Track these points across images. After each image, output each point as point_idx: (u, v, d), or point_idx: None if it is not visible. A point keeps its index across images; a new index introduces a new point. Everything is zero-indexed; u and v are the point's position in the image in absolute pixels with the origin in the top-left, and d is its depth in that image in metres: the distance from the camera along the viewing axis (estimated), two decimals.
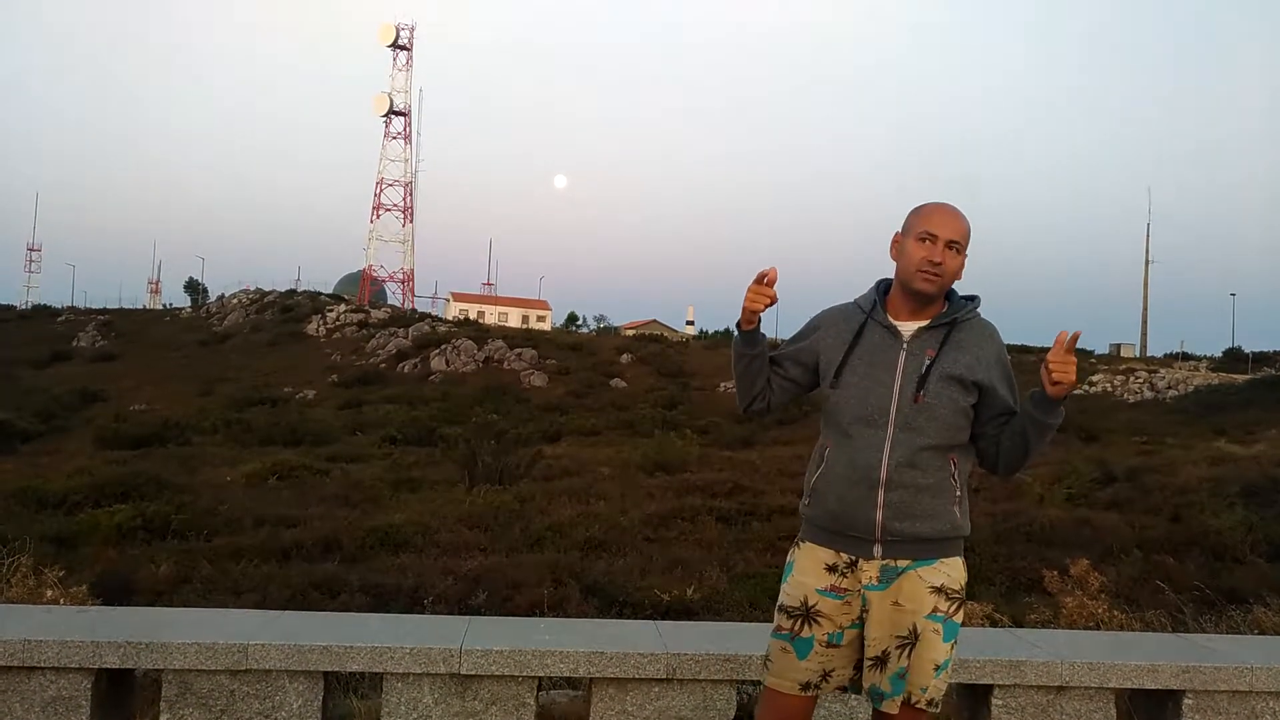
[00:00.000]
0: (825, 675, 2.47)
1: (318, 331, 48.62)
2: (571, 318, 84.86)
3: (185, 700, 3.03)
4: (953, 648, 2.42)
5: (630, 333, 67.66)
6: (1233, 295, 77.32)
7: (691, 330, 78.19)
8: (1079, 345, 2.35)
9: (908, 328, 2.47)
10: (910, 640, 2.39)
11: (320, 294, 58.80)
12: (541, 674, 3.13)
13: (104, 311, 58.79)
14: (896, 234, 2.51)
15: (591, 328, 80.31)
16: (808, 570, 2.49)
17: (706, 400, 35.00)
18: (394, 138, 70.80)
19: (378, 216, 70.70)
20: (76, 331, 50.73)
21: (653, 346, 47.79)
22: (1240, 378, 40.97)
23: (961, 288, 2.54)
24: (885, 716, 2.44)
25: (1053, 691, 3.25)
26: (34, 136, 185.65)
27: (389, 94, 70.62)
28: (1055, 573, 6.22)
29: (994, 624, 5.37)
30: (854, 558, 2.44)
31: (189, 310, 63.07)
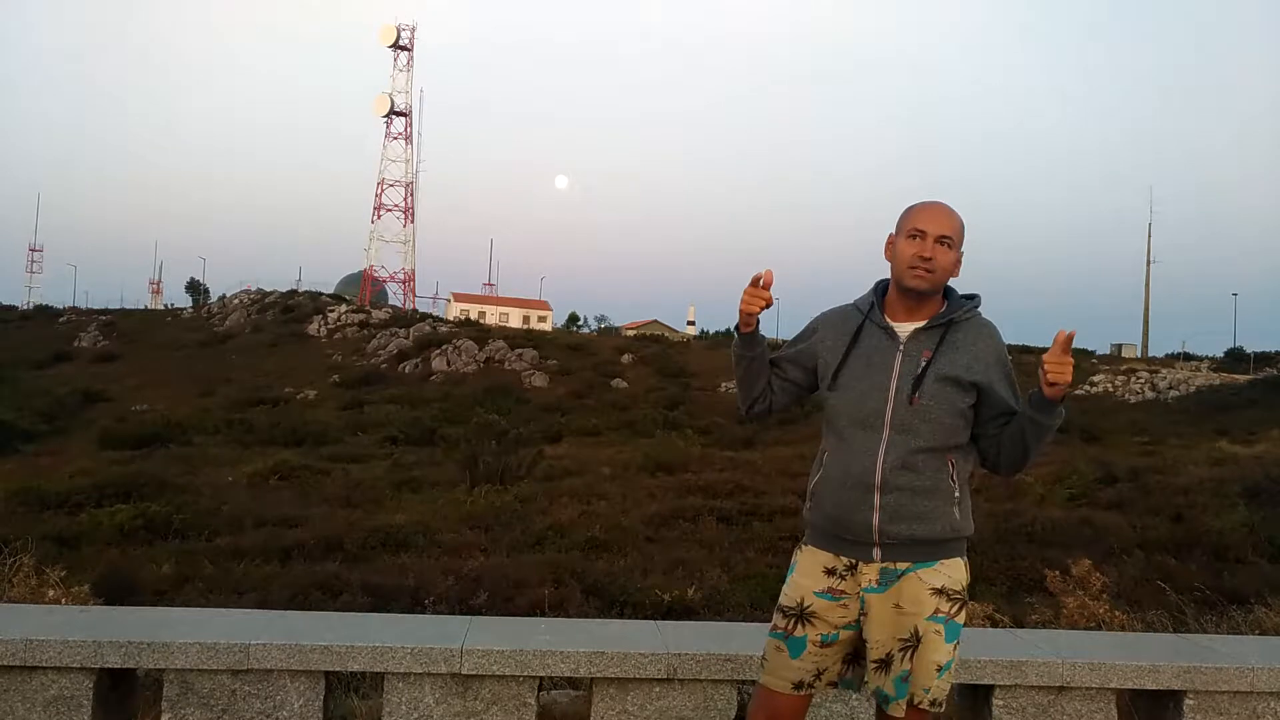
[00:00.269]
0: (818, 674, 2.47)
1: (319, 332, 48.65)
2: (572, 318, 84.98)
3: (186, 700, 3.03)
4: (955, 649, 2.41)
5: (631, 333, 67.72)
6: (1234, 295, 77.60)
7: (692, 330, 78.16)
8: (1078, 345, 2.34)
9: (905, 329, 2.46)
10: (912, 643, 2.38)
11: (321, 294, 58.80)
12: (542, 674, 3.13)
13: (105, 312, 58.84)
14: (890, 235, 2.50)
15: (592, 328, 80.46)
16: (807, 572, 2.49)
17: (707, 400, 34.99)
18: (395, 138, 70.94)
19: (379, 217, 70.86)
20: (78, 332, 50.77)
21: (654, 347, 47.81)
22: (1242, 378, 40.99)
23: (962, 287, 2.53)
24: (891, 719, 2.44)
25: (1054, 692, 3.24)
26: (36, 137, 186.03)
27: (390, 94, 70.74)
28: (1057, 573, 6.21)
29: (995, 624, 5.36)
30: (854, 561, 2.44)
31: (190, 311, 63.08)
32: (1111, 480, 16.92)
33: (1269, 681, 3.26)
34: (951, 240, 2.41)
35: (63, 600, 4.65)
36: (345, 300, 57.68)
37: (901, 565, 2.40)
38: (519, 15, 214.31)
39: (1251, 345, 56.04)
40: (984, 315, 2.51)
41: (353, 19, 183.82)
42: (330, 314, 50.74)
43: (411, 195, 71.38)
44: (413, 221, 71.50)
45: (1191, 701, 3.27)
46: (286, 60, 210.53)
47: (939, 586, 2.40)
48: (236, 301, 57.55)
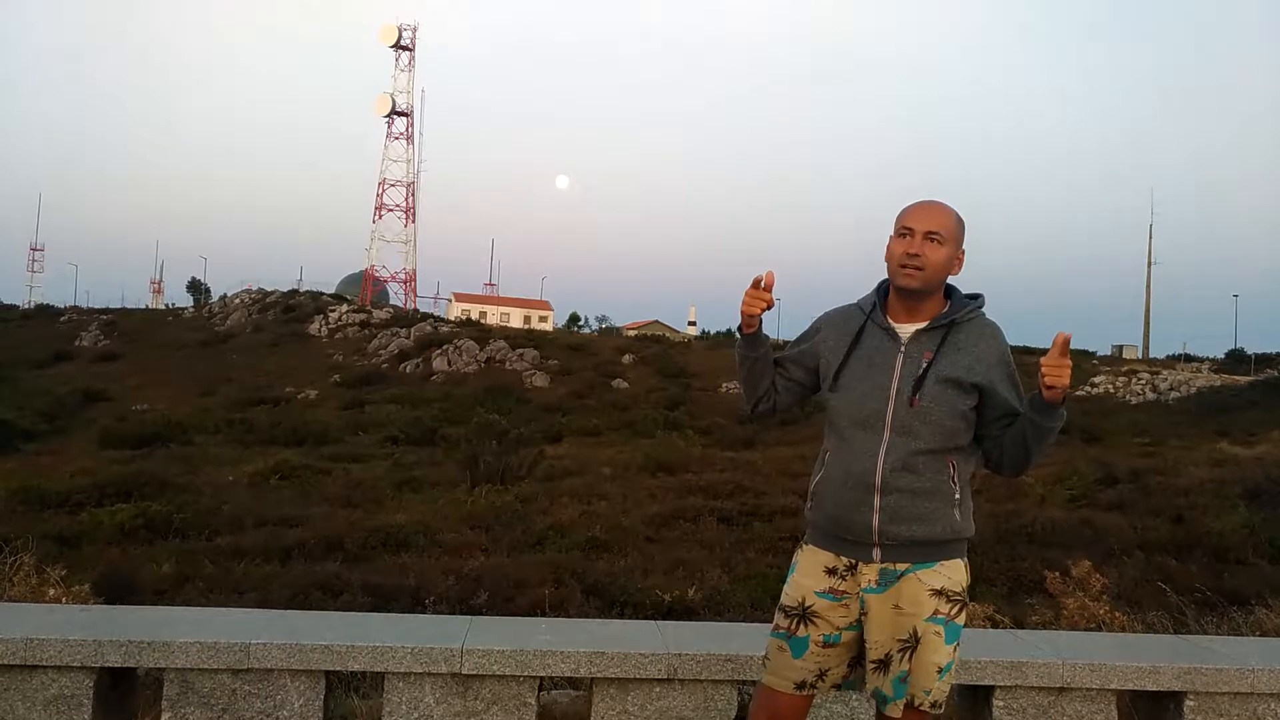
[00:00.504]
0: (821, 674, 2.47)
1: (320, 332, 48.66)
2: (573, 318, 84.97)
3: (187, 699, 3.03)
4: (955, 650, 2.41)
5: (632, 333, 67.72)
6: (1235, 297, 77.62)
7: (693, 330, 78.18)
8: (1079, 346, 2.34)
9: (907, 330, 2.45)
10: (911, 643, 2.38)
11: (322, 294, 58.85)
12: (543, 674, 3.13)
13: (106, 311, 58.78)
14: (890, 236, 2.50)
15: (593, 328, 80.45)
16: (808, 572, 2.49)
17: (708, 401, 35.00)
18: (396, 138, 70.92)
19: (380, 217, 70.85)
20: (79, 331, 50.75)
21: (654, 347, 47.82)
22: (1243, 379, 41.00)
23: (964, 287, 2.51)
24: (888, 719, 2.44)
25: (1054, 693, 3.24)
26: (36, 137, 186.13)
27: (391, 94, 70.72)
28: (1057, 574, 6.21)
29: (995, 625, 5.37)
30: (854, 561, 2.43)
31: (191, 310, 63.07)
32: (1112, 481, 16.93)
33: (1269, 683, 3.26)
34: (940, 236, 2.39)
35: (63, 599, 4.65)
36: (346, 300, 57.70)
37: (901, 566, 2.40)
38: (519, 15, 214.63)
39: (1252, 347, 56.16)
40: (987, 316, 2.49)
41: (353, 19, 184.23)
42: (331, 314, 50.76)
43: (413, 195, 71.45)
44: (414, 221, 71.56)
45: (1192, 703, 3.27)
46: (287, 60, 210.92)
47: (938, 588, 2.39)
48: (237, 301, 57.56)
